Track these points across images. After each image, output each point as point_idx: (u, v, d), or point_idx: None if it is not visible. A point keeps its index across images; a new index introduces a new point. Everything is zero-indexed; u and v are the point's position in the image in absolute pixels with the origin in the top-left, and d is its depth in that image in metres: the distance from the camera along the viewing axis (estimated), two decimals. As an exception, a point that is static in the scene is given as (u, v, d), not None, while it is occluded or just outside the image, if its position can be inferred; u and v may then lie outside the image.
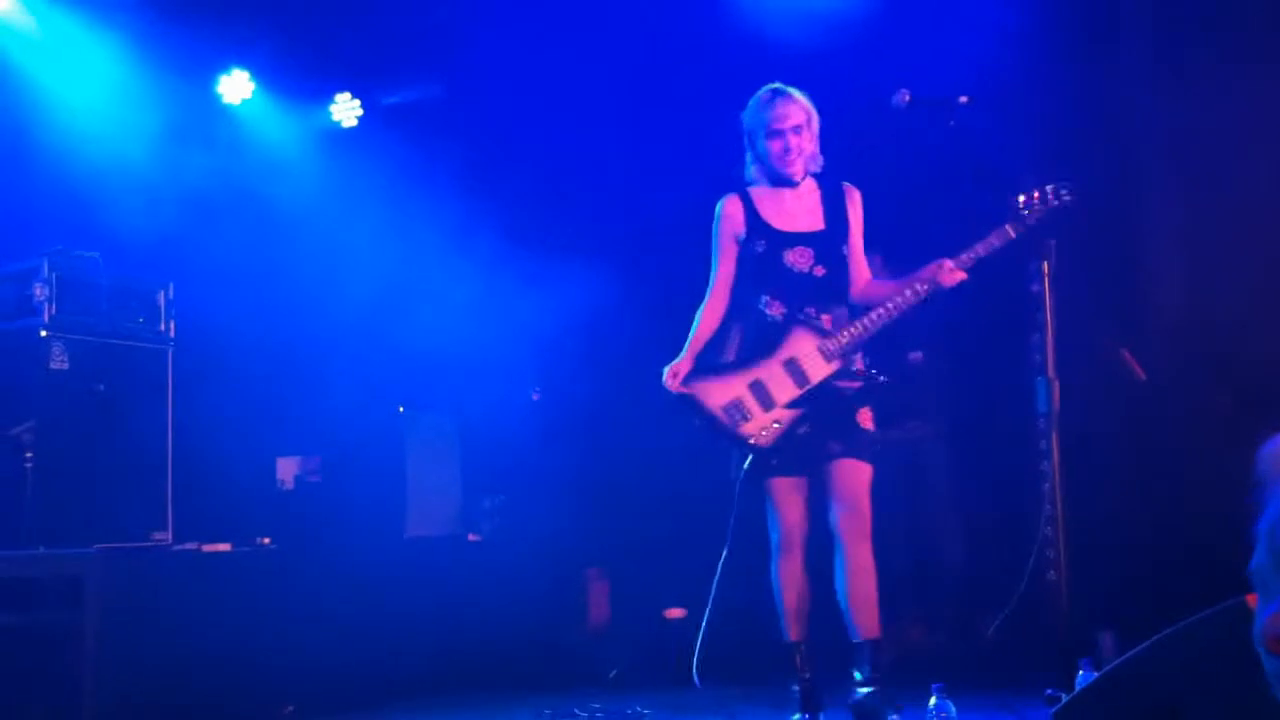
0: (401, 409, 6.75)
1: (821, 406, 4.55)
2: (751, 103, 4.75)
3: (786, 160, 4.66)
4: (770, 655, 5.98)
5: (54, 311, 5.56)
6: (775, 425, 4.53)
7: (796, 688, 4.69)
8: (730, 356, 4.69)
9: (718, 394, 4.59)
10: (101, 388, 5.67)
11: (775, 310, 4.64)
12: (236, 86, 7.16)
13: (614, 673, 6.20)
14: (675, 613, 6.45)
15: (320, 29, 7.27)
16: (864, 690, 4.48)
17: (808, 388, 4.54)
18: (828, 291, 4.67)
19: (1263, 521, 1.70)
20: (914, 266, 4.61)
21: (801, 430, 4.55)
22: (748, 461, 4.57)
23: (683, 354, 4.71)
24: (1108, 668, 3.72)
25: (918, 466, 6.17)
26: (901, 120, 4.54)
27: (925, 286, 4.50)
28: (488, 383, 7.07)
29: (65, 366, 5.56)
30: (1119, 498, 5.69)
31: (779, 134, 4.65)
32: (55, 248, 5.68)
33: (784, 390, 4.55)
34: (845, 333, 4.56)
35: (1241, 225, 5.59)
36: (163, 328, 5.93)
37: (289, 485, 6.57)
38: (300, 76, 7.40)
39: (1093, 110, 6.03)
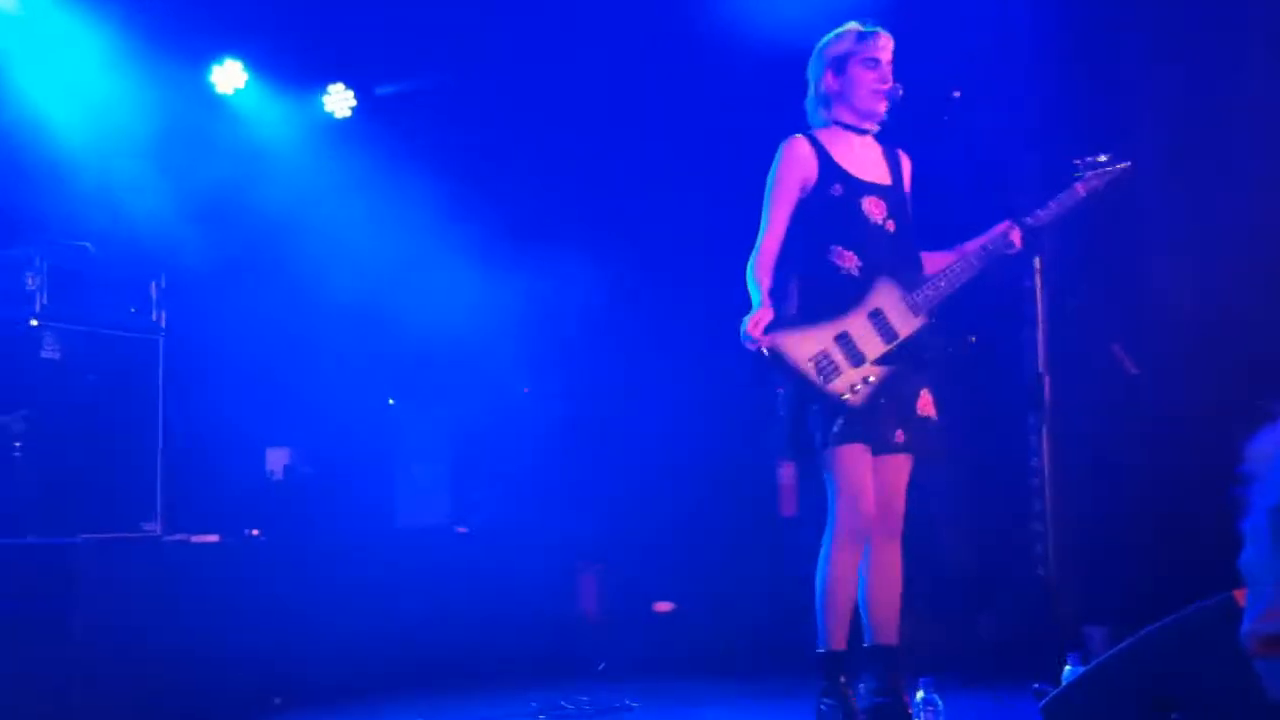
0: (391, 401, 6.75)
1: (905, 371, 4.22)
2: (838, 35, 4.40)
3: (882, 93, 4.33)
4: (748, 647, 6.04)
5: (45, 301, 5.54)
6: (867, 383, 4.15)
7: (844, 703, 4.18)
8: (792, 310, 4.28)
9: (803, 346, 4.17)
10: (92, 377, 5.66)
11: (848, 262, 4.27)
12: (229, 76, 7.14)
13: (602, 665, 6.21)
14: (664, 606, 6.46)
15: (313, 18, 7.24)
16: (880, 698, 4.19)
17: (896, 342, 4.20)
18: (899, 248, 4.34)
19: (1250, 517, 1.69)
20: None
21: (881, 401, 4.18)
22: (839, 424, 4.13)
23: (760, 303, 4.20)
24: (1095, 662, 3.73)
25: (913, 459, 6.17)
26: (896, 113, 4.49)
27: (991, 251, 4.30)
28: (479, 375, 7.07)
29: (56, 356, 5.55)
30: (1109, 493, 5.69)
31: (876, 64, 4.33)
32: (46, 237, 5.67)
33: (872, 345, 4.19)
34: (931, 286, 4.26)
35: (1237, 219, 5.59)
36: (154, 318, 5.91)
37: (279, 476, 6.55)
38: (293, 66, 7.38)
39: (1087, 104, 6.03)
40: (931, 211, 5.74)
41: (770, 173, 4.40)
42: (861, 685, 4.33)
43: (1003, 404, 5.90)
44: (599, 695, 5.50)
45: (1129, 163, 4.43)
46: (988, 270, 4.49)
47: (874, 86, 4.36)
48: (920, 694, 3.88)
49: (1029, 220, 4.37)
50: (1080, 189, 4.37)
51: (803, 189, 4.34)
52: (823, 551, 4.26)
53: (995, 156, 6.29)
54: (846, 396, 4.13)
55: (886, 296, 4.25)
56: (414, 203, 6.96)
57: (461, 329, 6.94)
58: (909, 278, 4.32)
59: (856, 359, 4.17)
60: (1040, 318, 4.57)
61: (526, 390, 7.20)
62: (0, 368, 5.52)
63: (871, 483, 4.22)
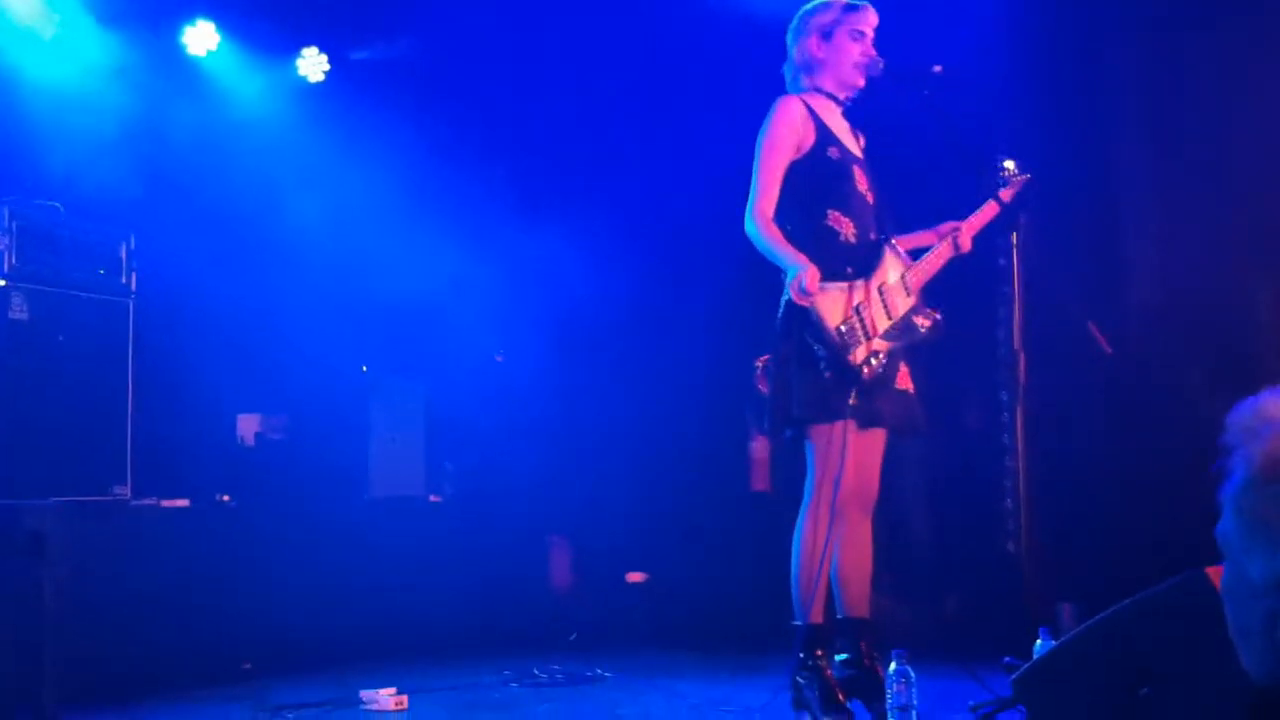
0: (365, 368, 6.71)
1: (901, 346, 4.20)
2: (823, 3, 4.36)
3: (865, 65, 4.31)
4: (720, 619, 6.06)
5: (14, 261, 5.47)
6: (878, 358, 4.11)
7: (821, 675, 4.13)
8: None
9: (834, 312, 4.10)
10: (61, 339, 5.59)
11: (846, 228, 4.23)
12: (201, 38, 7.04)
13: (574, 635, 6.22)
14: (636, 577, 6.47)
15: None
16: (851, 669, 4.19)
17: (896, 319, 4.19)
18: (881, 219, 4.32)
19: (1228, 487, 1.70)
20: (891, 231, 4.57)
21: (881, 372, 4.13)
22: (851, 397, 4.04)
23: (800, 258, 4.05)
24: (1066, 637, 3.75)
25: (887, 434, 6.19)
26: (876, 88, 4.49)
27: (952, 248, 4.33)
28: (452, 344, 7.04)
29: (25, 317, 5.48)
30: (1081, 471, 5.74)
31: (862, 36, 4.32)
32: (15, 196, 5.59)
33: (879, 319, 4.16)
34: (918, 266, 4.26)
35: (1213, 198, 5.62)
36: (124, 280, 5.85)
37: (250, 443, 6.51)
38: (266, 29, 7.29)
39: (1066, 82, 6.05)
40: (910, 187, 5.77)
41: (762, 132, 4.32)
42: (835, 658, 4.35)
43: (976, 381, 5.93)
44: (571, 665, 5.52)
45: (1026, 174, 4.45)
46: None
47: (857, 59, 4.34)
48: (893, 666, 3.90)
49: (974, 221, 4.41)
50: (1003, 195, 4.40)
51: (797, 150, 4.28)
52: (800, 524, 4.23)
53: (975, 132, 6.30)
54: (864, 369, 4.10)
55: (890, 271, 4.24)
56: (388, 169, 6.90)
57: (435, 296, 6.90)
58: (900, 253, 4.31)
59: (868, 332, 4.14)
60: (1016, 296, 4.59)
61: (499, 358, 7.18)
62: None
63: (853, 458, 4.16)
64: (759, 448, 6.44)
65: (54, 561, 4.54)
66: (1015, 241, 4.52)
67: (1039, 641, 4.07)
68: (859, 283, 4.16)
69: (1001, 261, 4.92)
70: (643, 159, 6.83)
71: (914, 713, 3.85)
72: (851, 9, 4.37)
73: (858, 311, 4.13)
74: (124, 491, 5.58)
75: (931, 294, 4.41)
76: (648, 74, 6.83)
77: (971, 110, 6.14)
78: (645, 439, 6.75)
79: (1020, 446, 4.55)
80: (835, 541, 4.25)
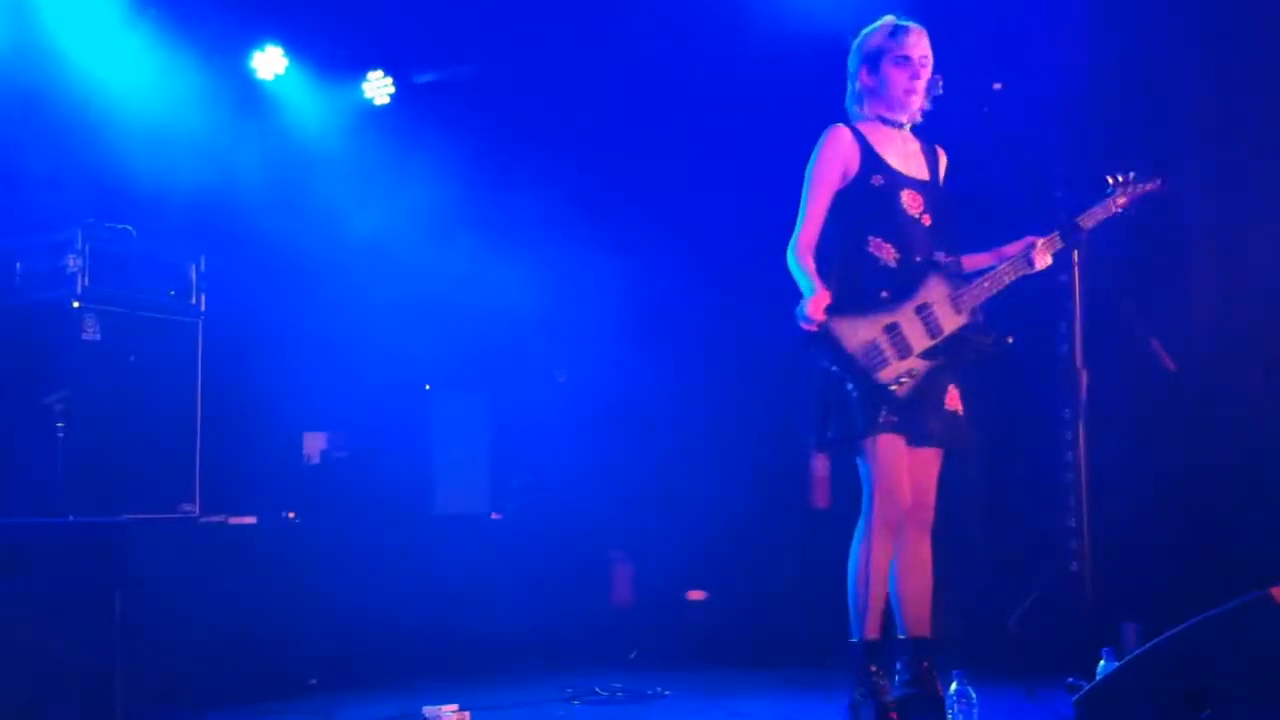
0: (428, 387, 6.78)
1: (948, 365, 4.25)
2: (872, 30, 4.42)
3: (912, 90, 4.35)
4: (780, 637, 6.04)
5: (86, 283, 5.60)
6: (912, 375, 4.18)
7: (875, 693, 4.17)
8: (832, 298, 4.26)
9: (856, 333, 4.20)
10: (132, 359, 5.71)
11: (887, 254, 4.30)
12: (270, 62, 7.18)
13: (635, 653, 6.23)
14: (697, 595, 6.47)
15: (353, 5, 7.27)
16: (910, 690, 4.21)
17: (940, 338, 4.23)
18: (937, 242, 4.35)
19: None
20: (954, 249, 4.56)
21: (923, 390, 4.21)
22: (883, 414, 4.15)
23: (814, 286, 4.26)
24: (1129, 657, 3.73)
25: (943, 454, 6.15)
26: (937, 105, 4.49)
27: (1021, 265, 4.31)
28: (515, 361, 7.10)
29: (97, 338, 5.61)
30: (1145, 489, 5.67)
31: (907, 61, 4.34)
32: (88, 220, 5.72)
33: (918, 338, 4.21)
34: (976, 285, 4.27)
35: (1275, 211, 5.56)
36: (194, 301, 5.97)
37: (315, 460, 6.60)
38: (333, 53, 7.41)
39: (1126, 97, 6.00)
40: (970, 206, 5.75)
41: (811, 160, 4.42)
42: (896, 677, 4.36)
43: (1039, 398, 5.89)
44: (632, 683, 5.53)
45: (1156, 183, 4.43)
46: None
47: (905, 85, 4.38)
48: (954, 686, 3.89)
49: (1058, 237, 4.38)
50: (1113, 206, 4.40)
51: (844, 178, 4.36)
52: (856, 541, 4.27)
53: (1036, 151, 6.28)
54: (893, 387, 4.17)
55: (935, 292, 4.28)
56: (451, 188, 6.99)
57: (498, 314, 6.97)
58: (950, 274, 4.33)
59: (903, 351, 4.20)
60: (1077, 312, 4.57)
61: (562, 379, 7.23)
62: (42, 349, 5.59)
63: (906, 476, 4.24)
64: (819, 465, 6.42)
65: (125, 578, 4.62)
66: (1076, 258, 4.51)
67: (1102, 662, 4.05)
68: (897, 305, 4.23)
69: (1063, 278, 4.89)
70: (703, 175, 6.86)
71: (975, 733, 3.83)
72: (895, 35, 4.39)
73: (889, 331, 4.20)
74: (192, 508, 5.68)
75: (992, 311, 4.42)
76: (713, 89, 6.85)
77: (1032, 127, 6.14)
78: (706, 456, 6.77)
79: (1083, 463, 4.53)
80: (894, 560, 4.31)
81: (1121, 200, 4.41)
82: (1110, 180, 4.44)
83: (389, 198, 6.98)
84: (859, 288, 4.29)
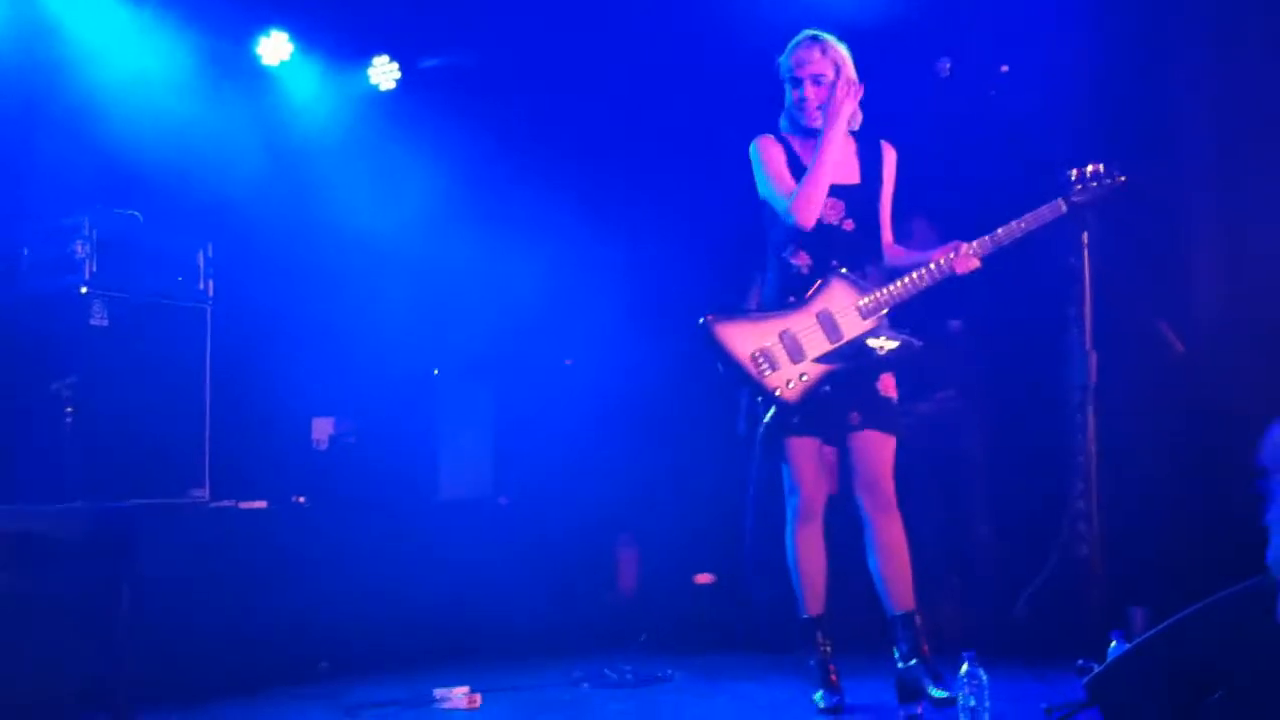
0: (436, 372, 6.78)
1: (848, 367, 4.43)
2: (785, 53, 4.64)
3: (803, 109, 4.54)
4: (787, 621, 6.04)
5: (94, 269, 5.59)
6: (802, 379, 4.38)
7: (814, 663, 4.63)
8: (751, 305, 4.64)
9: (746, 340, 4.44)
10: (141, 345, 5.71)
11: (800, 260, 4.53)
12: (275, 47, 7.16)
13: (643, 636, 6.24)
14: (704, 578, 6.48)
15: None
16: (906, 663, 4.45)
17: (840, 343, 4.41)
18: (856, 247, 4.53)
19: (1272, 511, 1.68)
20: (957, 232, 4.58)
21: (825, 389, 4.41)
22: (769, 415, 4.43)
23: None
24: (1140, 638, 3.73)
25: (951, 438, 6.16)
26: (944, 88, 4.50)
27: (939, 270, 4.42)
28: (521, 347, 7.10)
29: (105, 324, 5.60)
30: (1153, 473, 5.67)
31: (798, 82, 4.54)
32: (96, 206, 5.72)
33: (815, 343, 4.41)
34: (884, 291, 4.42)
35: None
36: (201, 286, 5.96)
37: (324, 446, 6.61)
38: (339, 38, 7.39)
39: (1133, 80, 5.98)
40: (977, 182, 5.74)
41: (757, 171, 4.62)
42: (895, 653, 4.48)
43: (1048, 382, 5.89)
44: (641, 666, 5.54)
45: (1124, 177, 4.43)
46: (1033, 245, 4.52)
47: (796, 103, 4.59)
48: (964, 668, 3.89)
49: (989, 240, 4.46)
50: (1062, 205, 4.44)
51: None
52: (786, 531, 4.68)
53: (1042, 135, 6.26)
54: (780, 391, 4.39)
55: (838, 298, 4.44)
56: (457, 174, 6.99)
57: (504, 302, 6.97)
58: (863, 279, 4.49)
59: (796, 355, 4.41)
60: (1087, 295, 4.57)
61: (569, 362, 7.23)
62: (50, 335, 5.58)
63: (812, 469, 4.59)
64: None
65: (134, 563, 4.64)
66: (1086, 241, 4.51)
67: (1112, 644, 4.05)
68: (798, 310, 4.44)
69: (1072, 260, 4.89)
70: (710, 161, 6.83)
71: (986, 715, 3.84)
72: (791, 52, 4.60)
73: (783, 337, 4.40)
74: (202, 494, 5.68)
75: (1001, 291, 4.47)
76: (715, 79, 6.83)
77: (1038, 110, 6.12)
78: (713, 440, 6.76)
79: (1091, 447, 4.54)
80: (867, 544, 4.58)
81: (1082, 198, 4.42)
82: (1072, 175, 4.45)
83: (395, 183, 6.98)
84: (776, 294, 4.56)
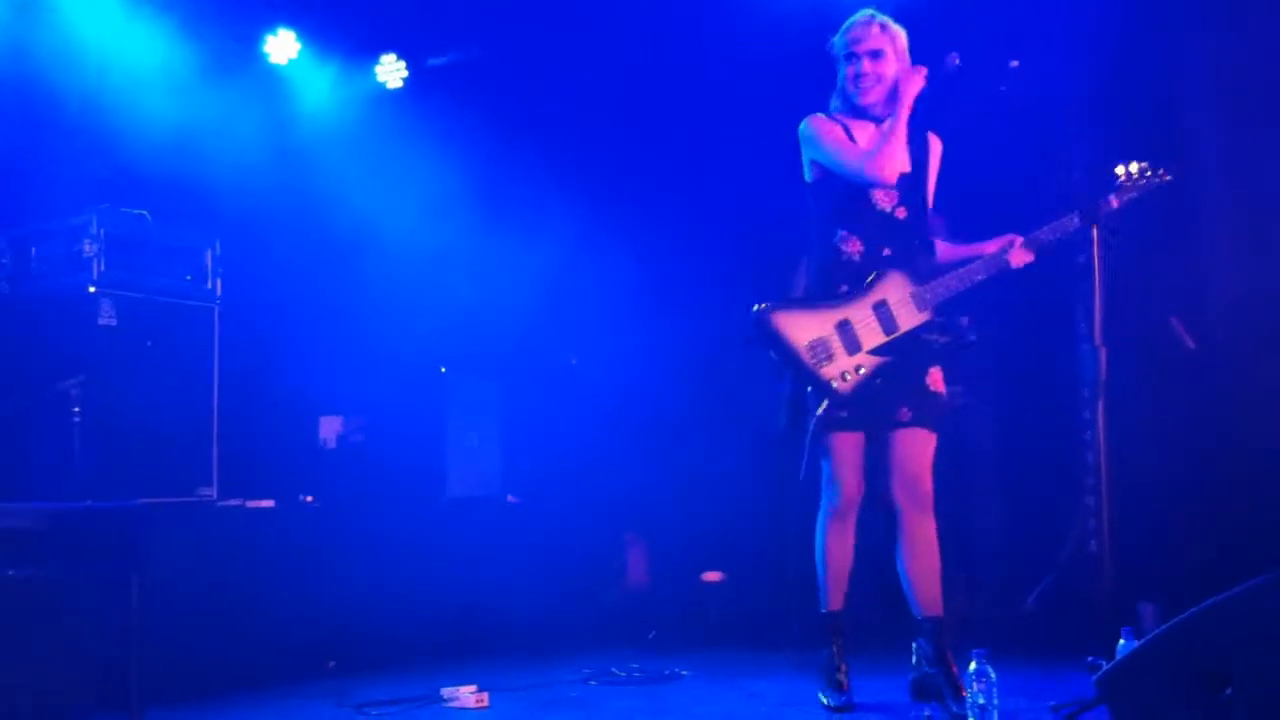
0: (444, 370, 6.78)
1: (903, 360, 4.32)
2: (840, 31, 4.52)
3: (859, 84, 4.41)
4: (797, 618, 6.04)
5: (102, 268, 5.59)
6: (858, 371, 4.27)
7: (825, 658, 4.55)
8: (798, 293, 4.50)
9: (803, 329, 4.31)
10: (149, 344, 5.71)
11: (852, 248, 4.40)
12: (282, 46, 7.16)
13: (652, 634, 6.23)
14: (713, 576, 6.47)
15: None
16: (927, 669, 4.37)
17: (895, 335, 4.30)
18: (909, 235, 4.42)
19: None
20: (970, 231, 4.55)
21: (877, 382, 4.29)
22: (822, 407, 4.30)
23: None
24: (1152, 635, 3.71)
25: (960, 433, 6.13)
26: (952, 83, 4.47)
27: (993, 264, 4.35)
28: (529, 346, 7.10)
29: (113, 323, 5.60)
30: (1164, 468, 5.65)
31: (854, 58, 4.42)
32: (103, 204, 5.72)
33: (871, 335, 4.29)
34: (940, 283, 4.32)
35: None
36: (209, 285, 5.96)
37: (332, 444, 6.61)
38: (346, 37, 7.40)
39: (1144, 73, 5.96)
40: (986, 187, 5.71)
41: (814, 147, 4.49)
42: (914, 657, 4.41)
43: (1058, 378, 5.87)
44: (650, 663, 5.54)
45: (1169, 175, 4.39)
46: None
47: (852, 80, 4.46)
48: (973, 665, 3.88)
49: (1044, 234, 4.40)
50: (1113, 201, 4.37)
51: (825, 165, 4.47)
52: (817, 523, 4.55)
53: (1053, 131, 6.24)
54: (835, 383, 4.27)
55: (894, 289, 4.34)
56: (465, 172, 6.98)
57: (513, 298, 6.96)
58: (918, 269, 4.39)
59: (853, 347, 4.29)
60: (1097, 291, 4.55)
61: (574, 361, 7.22)
62: (58, 334, 5.58)
63: (854, 466, 4.44)
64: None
65: (142, 562, 4.64)
66: (1096, 237, 4.49)
67: (1122, 641, 4.04)
68: (853, 301, 4.32)
69: (1081, 259, 4.87)
70: (718, 159, 6.85)
71: (995, 712, 3.83)
72: (845, 31, 4.49)
73: (840, 327, 4.29)
74: (210, 492, 5.68)
75: (1011, 286, 4.43)
76: (723, 75, 6.83)
77: (1050, 106, 6.10)
78: (721, 438, 6.76)
79: (1101, 443, 4.52)
80: (897, 542, 4.46)
81: (1128, 195, 4.38)
82: (1120, 173, 4.40)
83: (403, 181, 6.97)
84: (827, 281, 4.43)
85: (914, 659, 4.49)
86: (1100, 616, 4.43)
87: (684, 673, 5.37)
